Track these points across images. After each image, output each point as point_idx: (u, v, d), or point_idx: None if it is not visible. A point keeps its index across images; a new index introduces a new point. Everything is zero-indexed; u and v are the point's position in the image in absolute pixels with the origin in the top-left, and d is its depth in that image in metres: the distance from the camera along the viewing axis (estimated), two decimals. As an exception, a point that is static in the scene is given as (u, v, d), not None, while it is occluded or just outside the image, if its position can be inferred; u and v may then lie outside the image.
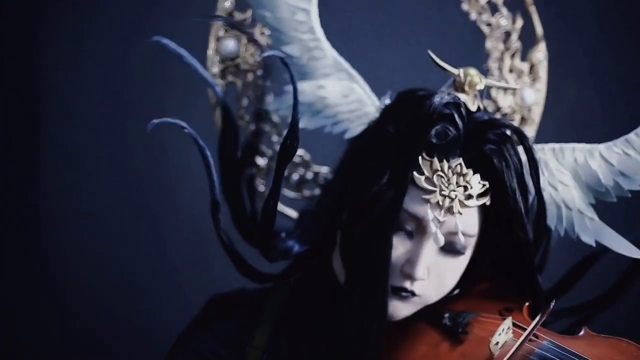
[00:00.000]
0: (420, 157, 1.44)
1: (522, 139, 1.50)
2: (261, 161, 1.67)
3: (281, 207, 1.68)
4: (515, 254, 1.52)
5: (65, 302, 2.20)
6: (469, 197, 1.45)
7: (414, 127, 1.44)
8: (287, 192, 1.70)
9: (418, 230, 1.46)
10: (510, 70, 1.74)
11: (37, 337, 2.20)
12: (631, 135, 1.57)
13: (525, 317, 1.53)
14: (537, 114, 1.75)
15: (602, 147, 1.59)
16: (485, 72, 1.72)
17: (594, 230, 1.58)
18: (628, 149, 1.58)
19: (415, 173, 1.44)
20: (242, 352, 1.50)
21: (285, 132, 1.43)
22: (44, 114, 2.15)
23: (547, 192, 1.57)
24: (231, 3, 1.63)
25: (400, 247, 1.46)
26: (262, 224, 1.48)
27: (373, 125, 1.52)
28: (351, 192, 1.47)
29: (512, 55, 1.74)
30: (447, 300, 1.53)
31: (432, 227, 1.44)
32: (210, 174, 1.48)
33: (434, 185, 1.44)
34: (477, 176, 1.46)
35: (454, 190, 1.45)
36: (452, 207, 1.44)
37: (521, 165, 1.49)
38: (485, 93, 1.70)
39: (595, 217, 1.59)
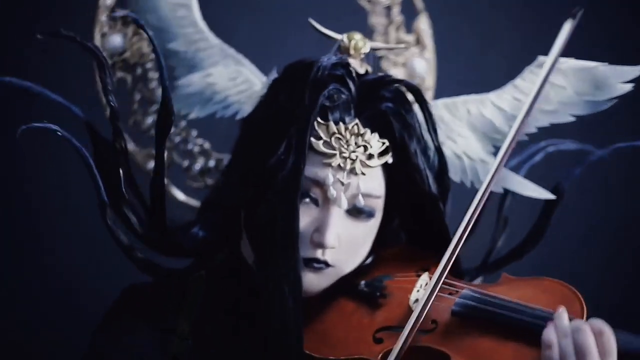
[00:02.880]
0: (315, 122, 1.44)
1: (416, 94, 1.51)
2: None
3: (187, 198, 1.67)
4: (423, 211, 1.52)
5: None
6: (370, 156, 1.45)
7: (306, 92, 1.43)
8: (191, 183, 1.68)
9: (323, 197, 1.44)
10: (398, 43, 1.76)
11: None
12: (518, 81, 1.60)
13: None
14: (430, 81, 1.78)
15: (492, 95, 1.61)
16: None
17: (499, 177, 1.60)
18: (517, 93, 1.60)
19: (312, 139, 1.43)
20: (165, 342, 1.46)
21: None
22: None
23: (447, 146, 1.58)
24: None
25: (306, 216, 1.44)
26: (153, 198, 1.46)
27: (264, 99, 1.51)
28: (251, 168, 1.45)
29: (397, 29, 1.77)
30: (361, 271, 1.51)
31: (334, 190, 1.43)
32: (93, 174, 1.44)
33: (333, 148, 1.43)
34: (376, 135, 1.46)
35: (354, 151, 1.44)
36: (354, 168, 1.44)
37: (417, 121, 1.50)
38: (376, 66, 1.73)
39: None
